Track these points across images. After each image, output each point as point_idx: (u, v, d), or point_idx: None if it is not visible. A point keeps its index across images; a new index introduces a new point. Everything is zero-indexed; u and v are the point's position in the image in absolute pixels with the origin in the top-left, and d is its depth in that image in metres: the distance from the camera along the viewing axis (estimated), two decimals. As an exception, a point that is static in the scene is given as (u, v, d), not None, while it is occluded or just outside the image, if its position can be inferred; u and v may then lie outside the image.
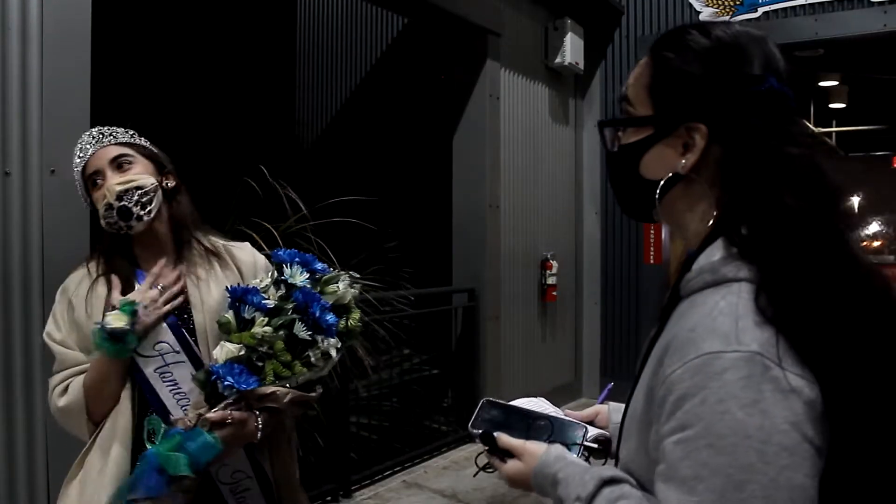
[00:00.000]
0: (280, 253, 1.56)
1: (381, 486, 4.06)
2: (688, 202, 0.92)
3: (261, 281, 1.53)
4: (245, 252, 1.70)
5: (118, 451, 1.48)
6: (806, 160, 0.85)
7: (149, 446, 1.41)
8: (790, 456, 0.74)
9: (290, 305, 1.48)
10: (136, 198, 1.54)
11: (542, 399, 1.25)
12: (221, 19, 5.83)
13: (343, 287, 1.56)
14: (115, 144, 1.61)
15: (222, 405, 1.40)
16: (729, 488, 0.74)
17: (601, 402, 1.27)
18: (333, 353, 1.50)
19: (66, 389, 1.52)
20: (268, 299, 1.48)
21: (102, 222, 1.56)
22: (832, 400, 0.77)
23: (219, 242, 1.67)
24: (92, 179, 1.59)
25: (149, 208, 1.56)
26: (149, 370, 1.51)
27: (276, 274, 1.53)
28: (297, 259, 1.54)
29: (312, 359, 1.48)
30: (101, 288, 1.56)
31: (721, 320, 0.79)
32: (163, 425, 1.44)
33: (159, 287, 1.54)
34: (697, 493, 0.75)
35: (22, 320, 2.34)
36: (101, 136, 1.63)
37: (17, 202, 2.35)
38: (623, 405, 1.19)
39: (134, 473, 1.37)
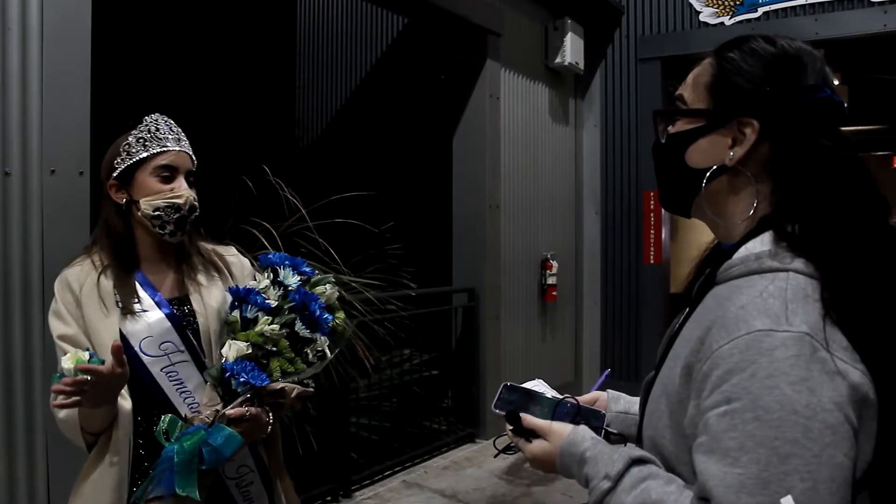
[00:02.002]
0: (270, 256, 1.63)
1: (381, 487, 4.06)
2: (731, 194, 0.96)
3: (259, 282, 1.58)
4: (232, 254, 1.75)
5: (118, 456, 1.48)
6: (858, 163, 0.91)
7: (165, 445, 1.42)
8: (833, 434, 0.77)
9: (289, 305, 1.55)
10: (192, 217, 1.59)
11: (541, 381, 1.27)
12: (221, 19, 5.83)
13: (330, 288, 1.63)
14: (190, 158, 1.62)
15: (238, 401, 1.46)
16: (773, 461, 0.76)
17: (597, 389, 1.30)
18: (328, 350, 1.59)
19: None
20: (268, 300, 1.55)
21: (149, 211, 1.54)
22: (885, 388, 0.81)
23: (208, 247, 1.71)
24: (162, 170, 1.56)
25: (188, 229, 1.61)
26: (155, 369, 1.52)
27: (272, 276, 1.59)
28: (287, 262, 1.61)
29: (310, 356, 1.56)
30: (106, 281, 1.54)
31: (772, 302, 0.83)
32: (179, 423, 1.46)
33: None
34: (741, 464, 0.78)
35: (22, 320, 2.34)
36: (179, 137, 1.62)
37: (17, 202, 2.35)
38: (621, 393, 1.24)
39: (155, 471, 1.40)
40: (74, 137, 2.49)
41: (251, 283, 1.59)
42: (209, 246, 1.72)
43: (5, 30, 2.32)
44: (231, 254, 1.74)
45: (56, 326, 1.52)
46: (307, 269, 1.63)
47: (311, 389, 1.59)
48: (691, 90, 0.99)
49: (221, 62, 5.54)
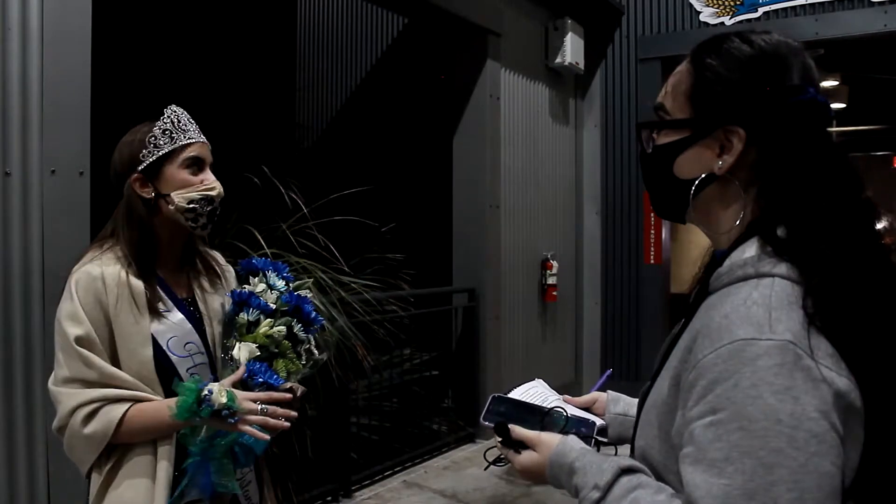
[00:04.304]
0: (254, 262, 1.65)
1: (382, 487, 4.06)
2: (721, 202, 0.95)
3: (255, 286, 1.61)
4: (222, 261, 1.76)
5: (166, 455, 1.46)
6: (845, 165, 0.90)
7: (196, 448, 1.43)
8: (819, 443, 0.76)
9: (284, 308, 1.60)
10: (218, 210, 1.57)
11: (540, 381, 1.27)
12: (222, 18, 5.83)
13: (309, 293, 1.68)
14: (210, 150, 1.60)
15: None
16: (759, 471, 0.76)
17: (598, 390, 1.30)
18: (316, 352, 1.64)
19: (92, 415, 1.40)
20: (267, 302, 1.58)
21: (183, 204, 1.51)
22: (871, 396, 0.80)
23: (204, 250, 1.71)
24: (191, 162, 1.53)
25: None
26: (182, 370, 1.52)
27: (265, 279, 1.62)
28: (270, 267, 1.64)
29: (304, 357, 1.61)
30: (136, 280, 1.49)
31: (755, 310, 0.81)
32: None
33: (260, 407, 1.44)
34: (726, 474, 0.77)
35: (22, 320, 2.34)
36: (199, 130, 1.58)
37: (17, 202, 2.35)
38: (621, 394, 1.24)
39: (189, 474, 1.41)
40: (74, 138, 2.49)
41: (248, 287, 1.61)
42: (203, 249, 1.72)
43: (5, 30, 2.32)
44: (222, 260, 1.75)
45: (72, 330, 1.42)
46: (287, 275, 1.66)
47: (306, 389, 1.62)
48: (672, 99, 0.97)
49: (222, 63, 5.54)
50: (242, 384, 1.49)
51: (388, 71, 6.61)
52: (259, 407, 1.44)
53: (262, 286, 1.59)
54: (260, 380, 1.48)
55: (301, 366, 1.59)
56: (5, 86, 2.33)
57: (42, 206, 2.39)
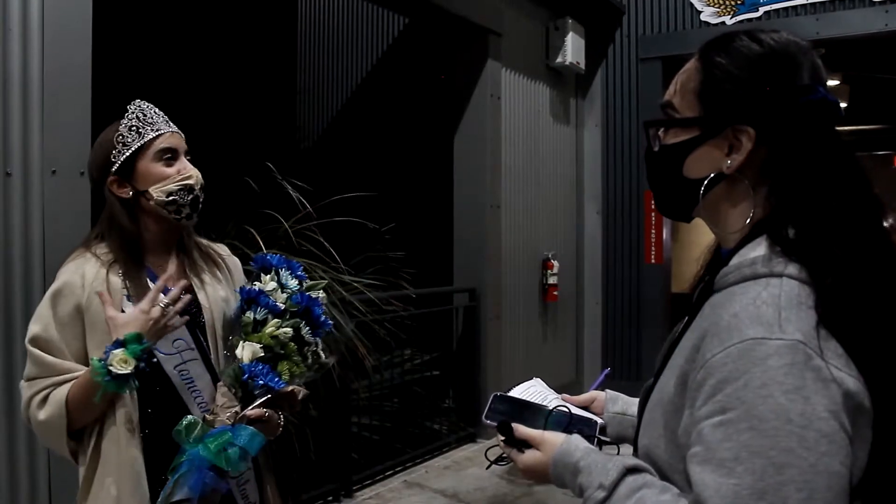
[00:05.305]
0: (269, 258, 1.62)
1: (383, 486, 4.06)
2: (730, 201, 0.94)
3: (265, 284, 1.58)
4: (226, 253, 1.74)
5: (132, 456, 1.45)
6: (854, 164, 0.90)
7: (188, 447, 1.41)
8: (829, 443, 0.76)
9: (293, 308, 1.56)
10: (202, 197, 1.57)
11: (538, 380, 1.27)
12: (222, 18, 5.83)
13: (322, 295, 1.65)
14: (183, 138, 1.59)
15: (257, 403, 1.48)
16: (769, 471, 0.75)
17: (596, 388, 1.29)
18: (323, 355, 1.62)
19: (44, 401, 1.44)
20: (276, 302, 1.55)
21: (162, 198, 1.50)
22: (880, 397, 0.80)
23: (203, 242, 1.70)
24: (164, 154, 1.53)
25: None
26: (168, 367, 1.50)
27: (277, 277, 1.58)
28: (284, 265, 1.61)
29: (310, 360, 1.59)
30: (115, 278, 1.50)
31: (764, 309, 0.81)
32: (200, 424, 1.44)
33: (163, 304, 1.43)
34: (736, 474, 0.77)
35: (23, 320, 2.34)
36: (167, 120, 1.58)
37: (18, 203, 2.35)
38: (619, 394, 1.24)
39: (179, 473, 1.39)
40: (75, 138, 2.49)
41: (258, 285, 1.57)
42: (204, 242, 1.71)
43: (6, 30, 2.33)
44: (226, 252, 1.73)
45: (32, 330, 1.47)
46: (301, 274, 1.63)
47: (308, 392, 1.61)
48: (680, 97, 0.96)
49: (223, 65, 5.55)
50: (243, 386, 1.49)
51: (389, 71, 6.61)
52: (157, 308, 1.40)
53: (272, 284, 1.57)
54: (260, 382, 1.47)
55: (305, 369, 1.57)
56: (6, 86, 2.33)
57: (43, 206, 2.39)
